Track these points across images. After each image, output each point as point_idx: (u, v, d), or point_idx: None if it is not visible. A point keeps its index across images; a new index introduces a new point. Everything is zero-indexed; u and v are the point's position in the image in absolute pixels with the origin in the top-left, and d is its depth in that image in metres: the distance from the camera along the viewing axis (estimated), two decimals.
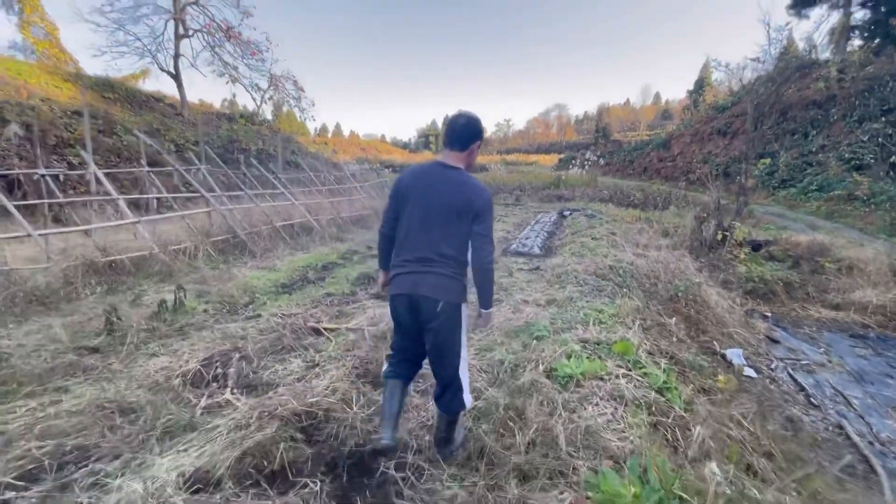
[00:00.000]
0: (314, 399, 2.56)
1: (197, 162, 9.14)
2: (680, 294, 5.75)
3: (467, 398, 2.17)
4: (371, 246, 8.54)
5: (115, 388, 2.77)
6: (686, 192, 21.17)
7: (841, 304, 7.18)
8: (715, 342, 5.42)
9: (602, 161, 35.26)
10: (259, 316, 4.33)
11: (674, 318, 4.35)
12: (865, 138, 18.22)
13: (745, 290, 7.63)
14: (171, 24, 16.94)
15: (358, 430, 2.38)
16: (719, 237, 8.96)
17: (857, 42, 25.05)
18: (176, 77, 17.62)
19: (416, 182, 2.13)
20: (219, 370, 3.07)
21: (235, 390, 2.81)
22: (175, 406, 2.58)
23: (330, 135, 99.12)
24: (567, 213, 14.41)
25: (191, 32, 17.58)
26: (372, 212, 11.88)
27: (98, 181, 5.99)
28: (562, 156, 48.97)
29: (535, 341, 3.36)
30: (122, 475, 1.99)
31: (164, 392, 2.73)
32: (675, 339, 3.96)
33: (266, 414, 2.44)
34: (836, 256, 8.55)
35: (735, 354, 5.27)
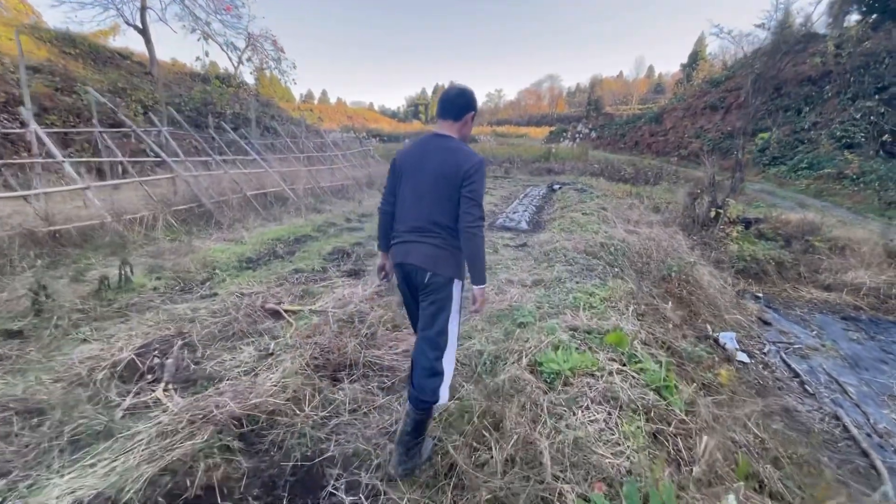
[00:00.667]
0: (259, 400, 2.17)
1: (159, 125, 8.38)
2: (673, 274, 5.47)
3: (444, 393, 1.94)
4: (350, 218, 8.08)
5: (24, 384, 2.35)
6: (677, 168, 20.88)
7: (832, 284, 7.01)
8: (708, 325, 5.19)
9: (594, 134, 34.66)
10: (215, 295, 3.89)
11: (669, 303, 4.05)
12: (858, 116, 17.99)
13: (737, 270, 7.42)
14: None
15: (307, 438, 2.02)
16: (712, 214, 8.69)
17: (854, 17, 24.48)
18: (143, 32, 16.24)
19: (411, 155, 2.10)
20: (156, 360, 2.66)
21: (170, 386, 2.41)
22: (92, 407, 2.17)
23: (316, 102, 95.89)
24: (557, 186, 13.99)
25: None
26: (353, 182, 11.29)
27: (40, 142, 5.34)
28: (553, 128, 48.05)
29: (518, 329, 3.02)
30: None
31: (82, 388, 2.32)
32: (670, 326, 3.66)
33: (200, 417, 2.05)
34: (827, 236, 8.38)
35: (728, 338, 5.02)
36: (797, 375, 4.62)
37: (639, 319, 3.27)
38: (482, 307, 2.00)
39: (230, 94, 16.95)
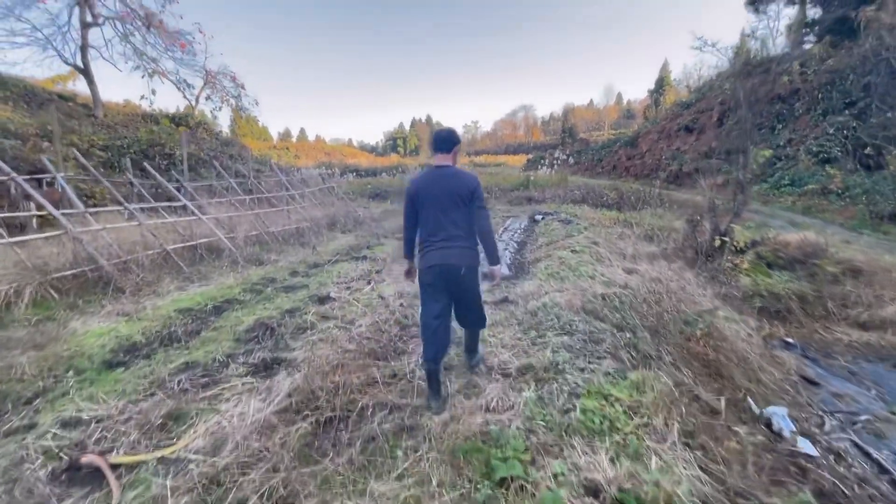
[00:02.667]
0: None
1: (90, 168, 7.03)
2: (699, 332, 4.27)
3: (485, 321, 3.16)
4: (297, 271, 6.75)
5: None
6: (660, 191, 20.29)
7: (869, 322, 5.91)
8: (748, 396, 3.97)
9: (571, 160, 34.50)
10: (33, 427, 2.50)
11: (723, 399, 2.81)
12: (831, 131, 17.87)
13: (754, 307, 6.30)
14: (77, 10, 14.36)
15: None
16: (717, 243, 7.65)
17: (812, 38, 25.15)
18: (85, 72, 15.03)
19: (426, 185, 2.83)
20: None
21: None
22: None
23: (294, 139, 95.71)
24: (539, 217, 12.95)
25: (101, 20, 14.99)
26: (311, 224, 10.01)
27: None
28: (530, 156, 48.12)
29: (493, 490, 1.72)
30: None
31: None
32: (733, 446, 2.40)
33: None
34: (836, 258, 7.42)
35: (780, 417, 3.75)
36: (885, 470, 3.36)
37: (690, 447, 2.02)
38: (498, 279, 3.19)
39: (181, 134, 15.70)
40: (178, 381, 3.00)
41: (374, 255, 7.72)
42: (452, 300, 2.87)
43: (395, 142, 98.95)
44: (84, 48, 14.81)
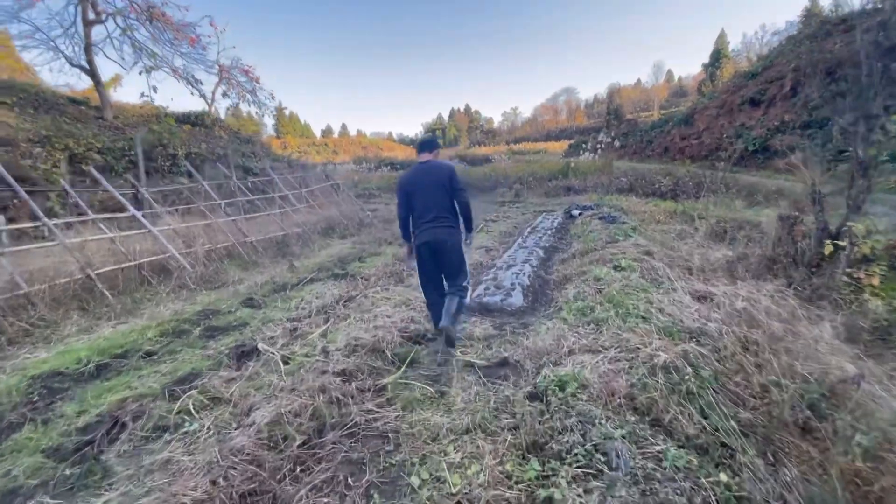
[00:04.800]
0: None
1: (97, 174, 6.06)
2: (856, 449, 2.30)
3: (467, 297, 3.75)
4: (253, 297, 5.30)
5: None
6: (724, 174, 17.29)
7: None
8: None
9: (617, 143, 31.35)
10: None
11: None
12: None
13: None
14: (79, 8, 13.79)
15: None
16: (827, 250, 5.44)
17: None
18: (91, 73, 14.58)
19: (415, 177, 3.56)
20: None
21: None
22: None
23: (336, 135, 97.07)
24: (576, 211, 10.87)
25: (104, 17, 14.43)
26: (302, 230, 8.62)
27: None
28: (572, 141, 44.82)
29: None
30: None
31: None
32: None
33: None
34: None
35: None
36: None
37: None
38: (471, 244, 3.78)
39: (186, 133, 14.88)
40: None
41: (361, 272, 6.18)
42: (442, 271, 3.57)
43: (433, 133, 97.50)
44: (88, 47, 14.26)
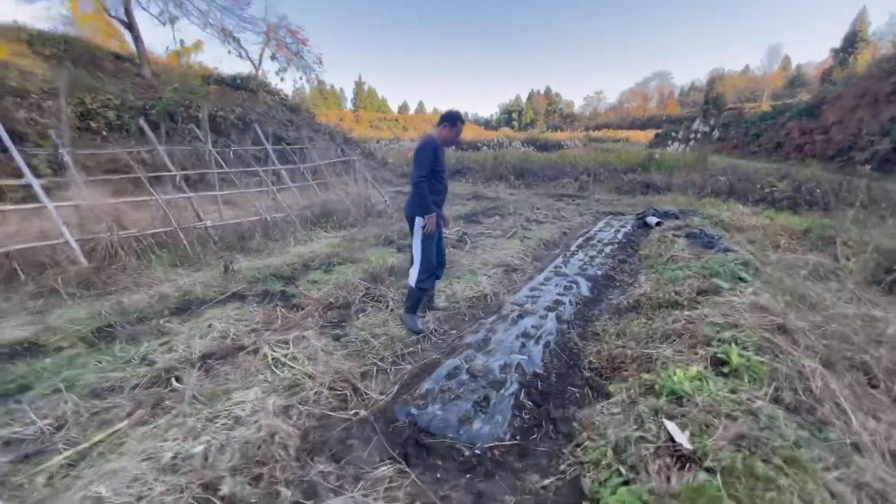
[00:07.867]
0: None
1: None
2: None
3: (415, 279, 3.50)
4: (117, 324, 3.54)
5: None
6: (868, 182, 12.90)
7: None
8: None
9: (715, 134, 26.38)
10: None
11: None
12: None
13: None
14: None
15: None
16: None
17: None
18: (129, 27, 13.96)
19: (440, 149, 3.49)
20: None
21: None
22: None
23: (412, 112, 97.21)
24: (653, 219, 8.03)
25: None
26: (283, 215, 6.81)
27: None
28: (659, 130, 39.31)
29: None
30: None
31: None
32: None
33: None
34: None
35: None
36: None
37: None
38: (423, 227, 3.39)
39: (211, 92, 13.76)
40: None
41: (304, 291, 4.20)
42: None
43: (509, 115, 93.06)
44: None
